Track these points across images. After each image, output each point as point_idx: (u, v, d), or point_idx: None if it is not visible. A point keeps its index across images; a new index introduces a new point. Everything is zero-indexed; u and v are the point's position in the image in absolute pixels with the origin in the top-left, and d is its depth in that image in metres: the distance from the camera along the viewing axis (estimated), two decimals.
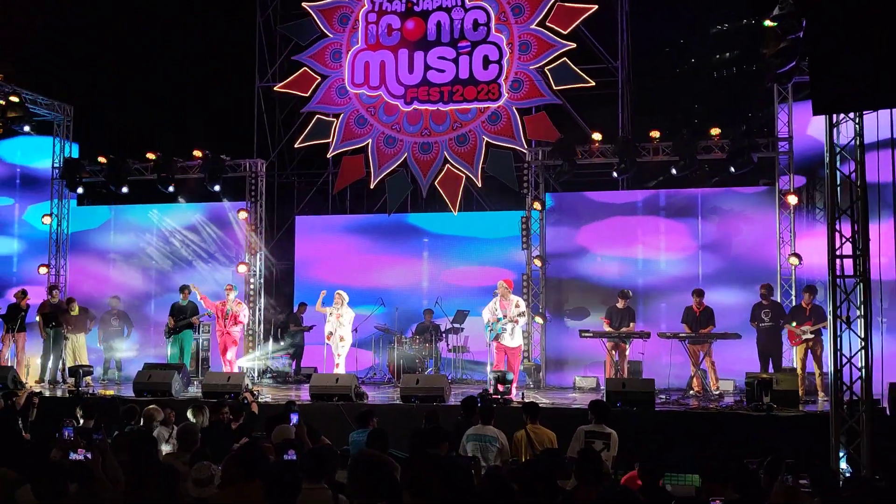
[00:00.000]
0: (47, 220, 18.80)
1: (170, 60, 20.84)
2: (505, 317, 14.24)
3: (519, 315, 14.31)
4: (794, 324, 14.12)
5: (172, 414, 10.56)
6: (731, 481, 6.23)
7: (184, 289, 16.80)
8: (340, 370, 15.42)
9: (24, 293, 16.97)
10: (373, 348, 17.55)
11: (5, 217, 20.12)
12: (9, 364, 16.18)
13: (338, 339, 15.70)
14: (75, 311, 17.12)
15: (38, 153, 19.58)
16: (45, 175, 19.24)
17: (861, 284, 9.92)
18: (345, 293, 15.95)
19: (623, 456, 9.24)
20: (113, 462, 6.35)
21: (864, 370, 9.86)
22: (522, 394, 13.84)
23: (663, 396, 13.92)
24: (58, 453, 6.94)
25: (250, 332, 17.86)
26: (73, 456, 6.16)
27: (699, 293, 14.98)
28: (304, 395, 14.23)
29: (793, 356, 14.63)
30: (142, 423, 9.72)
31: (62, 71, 20.10)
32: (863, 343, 9.86)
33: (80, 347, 16.99)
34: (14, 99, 17.02)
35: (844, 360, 9.96)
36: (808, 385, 13.97)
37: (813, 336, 13.89)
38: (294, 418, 8.99)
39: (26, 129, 17.51)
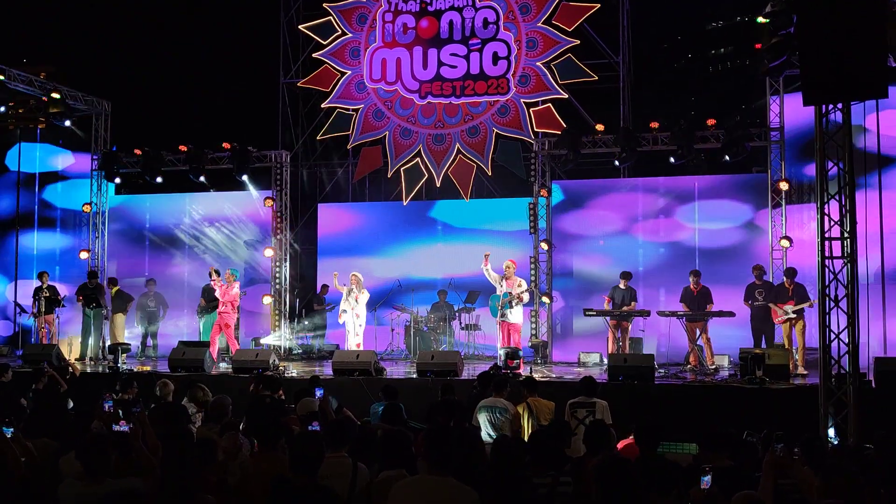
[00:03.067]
0: (87, 208, 18.86)
1: (200, 59, 20.88)
2: (510, 293, 14.31)
3: (523, 293, 14.46)
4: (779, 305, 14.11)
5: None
6: (726, 450, 6.23)
7: (214, 272, 16.84)
8: (361, 347, 15.39)
9: (45, 274, 17.04)
10: (391, 326, 17.56)
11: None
12: (51, 343, 16.27)
13: (353, 317, 15.52)
14: (114, 291, 17.19)
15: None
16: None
17: (848, 265, 9.89)
18: (360, 275, 15.83)
19: (624, 426, 9.25)
20: (151, 433, 6.39)
21: (850, 345, 9.83)
22: (531, 368, 13.85)
23: (662, 370, 13.91)
24: (99, 425, 6.98)
25: (277, 311, 17.93)
26: (115, 427, 6.19)
27: (696, 274, 14.94)
28: (326, 370, 14.27)
29: (781, 333, 14.59)
30: (159, 395, 9.78)
31: (100, 69, 20.18)
32: (850, 320, 9.83)
33: (118, 327, 17.06)
34: (55, 95, 17.07)
35: (832, 336, 9.93)
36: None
37: (795, 315, 13.85)
38: (318, 392, 9.00)
39: (67, 123, 17.58)
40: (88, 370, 15.21)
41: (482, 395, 9.88)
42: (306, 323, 17.73)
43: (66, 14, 21.30)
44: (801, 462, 5.64)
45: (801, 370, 13.42)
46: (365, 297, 15.70)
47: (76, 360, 16.35)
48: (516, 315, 14.55)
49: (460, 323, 17.30)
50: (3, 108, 16.36)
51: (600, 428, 6.72)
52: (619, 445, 7.93)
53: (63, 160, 20.23)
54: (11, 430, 6.08)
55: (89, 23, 21.07)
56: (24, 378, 12.24)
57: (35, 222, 20.14)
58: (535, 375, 12.12)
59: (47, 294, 16.72)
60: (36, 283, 17.17)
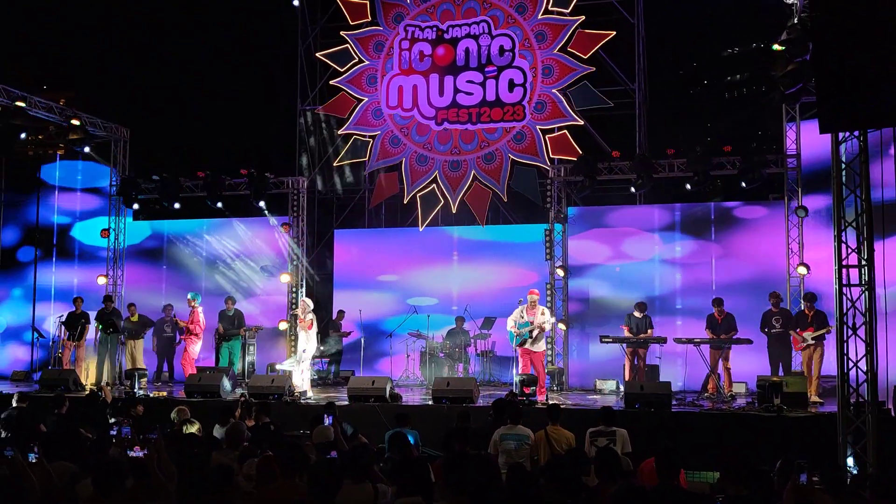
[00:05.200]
0: (105, 233, 18.97)
1: (219, 86, 21.05)
2: (531, 323, 14.03)
3: (543, 323, 14.06)
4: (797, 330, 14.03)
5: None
6: (744, 478, 6.19)
7: (229, 299, 16.96)
8: (305, 376, 14.73)
9: (80, 299, 17.16)
10: (406, 353, 17.54)
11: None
12: (70, 368, 16.35)
13: (305, 341, 14.63)
14: (135, 316, 17.26)
15: (97, 175, 19.89)
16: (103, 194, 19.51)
17: (866, 292, 9.84)
18: (309, 300, 15.26)
19: (642, 453, 9.22)
20: (167, 459, 6.41)
21: (869, 373, 9.77)
22: (546, 395, 13.80)
23: (689, 398, 13.86)
24: (116, 450, 7.01)
25: (292, 337, 17.96)
26: (130, 453, 6.22)
27: (719, 302, 14.84)
28: (342, 396, 14.26)
29: (800, 360, 14.50)
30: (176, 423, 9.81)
31: (120, 96, 20.38)
32: (868, 348, 9.77)
33: (137, 352, 17.10)
34: (75, 122, 17.22)
35: (851, 365, 9.87)
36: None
37: (814, 342, 13.75)
38: (328, 420, 9.01)
39: (86, 149, 17.73)
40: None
41: (497, 422, 9.87)
42: (322, 349, 17.74)
43: (86, 41, 21.55)
44: (822, 490, 5.60)
45: (814, 398, 13.32)
46: (310, 319, 14.82)
47: (92, 384, 16.39)
48: (539, 343, 14.21)
49: (476, 349, 17.28)
50: (23, 135, 16.50)
51: (609, 455, 6.70)
52: (641, 466, 7.90)
53: (83, 183, 20.39)
54: (35, 455, 6.13)
55: (108, 50, 21.30)
56: (42, 403, 12.32)
57: (53, 249, 20.28)
58: (550, 402, 12.08)
59: (81, 319, 16.82)
60: (57, 310, 17.28)
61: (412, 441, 9.93)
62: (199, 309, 16.71)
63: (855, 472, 9.50)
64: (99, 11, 21.19)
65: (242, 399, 12.59)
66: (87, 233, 20.21)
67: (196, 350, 16.59)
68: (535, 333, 13.90)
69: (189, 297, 16.84)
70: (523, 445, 9.17)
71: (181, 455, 7.14)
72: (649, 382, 13.78)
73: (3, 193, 20.46)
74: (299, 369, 14.70)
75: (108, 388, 14.51)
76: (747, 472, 6.34)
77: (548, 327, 14.38)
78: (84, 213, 20.34)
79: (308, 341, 14.73)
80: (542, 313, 14.12)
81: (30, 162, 20.25)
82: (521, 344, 14.03)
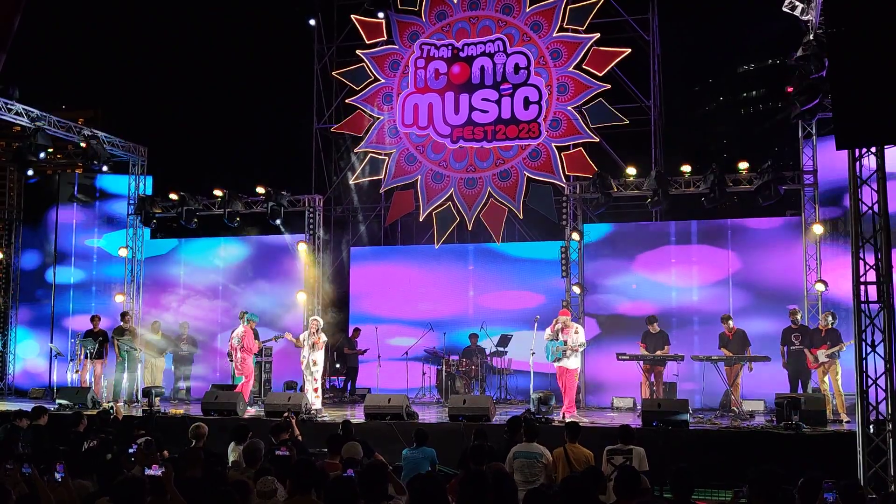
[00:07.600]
0: (123, 251, 19.06)
1: (236, 105, 21.22)
2: (565, 343, 13.93)
3: (576, 346, 13.82)
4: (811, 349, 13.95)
5: None
6: (770, 495, 6.14)
7: (242, 314, 16.96)
8: (319, 394, 14.85)
9: (98, 318, 17.19)
10: (422, 370, 17.52)
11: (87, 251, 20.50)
12: (89, 386, 16.40)
13: (311, 364, 14.75)
14: (158, 333, 17.30)
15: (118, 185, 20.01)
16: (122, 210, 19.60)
17: (885, 309, 9.77)
18: (320, 319, 15.44)
19: (659, 472, 9.17)
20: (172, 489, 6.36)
21: (889, 391, 9.68)
22: (563, 414, 13.73)
23: (707, 416, 13.78)
24: (139, 469, 7.02)
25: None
26: (147, 471, 6.23)
27: (727, 318, 14.79)
28: (357, 413, 14.25)
29: (818, 378, 14.40)
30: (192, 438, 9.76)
31: (138, 115, 20.58)
32: (887, 365, 9.69)
33: (158, 370, 17.13)
34: (94, 142, 17.33)
35: (870, 382, 9.79)
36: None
37: (828, 360, 13.65)
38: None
39: (104, 168, 17.82)
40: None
41: (512, 440, 9.83)
42: (338, 366, 17.73)
43: (106, 62, 21.80)
44: None
45: (843, 416, 13.19)
46: (323, 339, 15.05)
47: (108, 402, 16.42)
48: (573, 362, 13.94)
49: (492, 367, 17.24)
50: (42, 154, 16.61)
51: (628, 473, 6.67)
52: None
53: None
54: (61, 473, 6.16)
55: (127, 70, 21.55)
56: (60, 421, 12.34)
57: (71, 265, 20.38)
58: (567, 419, 12.03)
59: (100, 337, 16.85)
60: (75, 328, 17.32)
61: (430, 460, 9.93)
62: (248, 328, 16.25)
63: (876, 491, 9.40)
64: (117, 33, 21.47)
65: (286, 415, 12.45)
66: (109, 249, 20.32)
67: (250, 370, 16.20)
68: (568, 353, 13.80)
69: (242, 314, 16.40)
70: (536, 463, 9.11)
71: (199, 472, 7.15)
72: (667, 400, 13.71)
73: (22, 211, 20.60)
74: (312, 386, 14.72)
75: (121, 405, 14.54)
76: (774, 488, 6.29)
77: (581, 348, 14.05)
78: (103, 227, 20.43)
79: (317, 356, 14.77)
80: (576, 332, 13.98)
81: (47, 180, 20.38)
82: (557, 361, 13.94)
